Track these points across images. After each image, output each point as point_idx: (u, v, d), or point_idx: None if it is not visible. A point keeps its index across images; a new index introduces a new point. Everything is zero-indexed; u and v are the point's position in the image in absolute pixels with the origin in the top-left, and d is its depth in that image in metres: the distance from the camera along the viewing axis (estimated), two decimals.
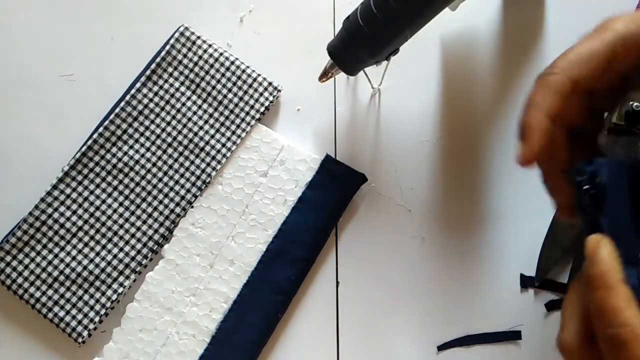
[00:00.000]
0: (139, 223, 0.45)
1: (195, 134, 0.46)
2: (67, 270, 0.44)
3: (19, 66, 0.48)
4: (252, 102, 0.47)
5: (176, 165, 0.46)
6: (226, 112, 0.47)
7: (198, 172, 0.46)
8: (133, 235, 0.45)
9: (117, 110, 0.46)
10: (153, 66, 0.47)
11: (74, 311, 0.44)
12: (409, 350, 0.44)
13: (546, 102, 0.31)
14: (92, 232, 0.45)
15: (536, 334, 0.44)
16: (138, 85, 0.47)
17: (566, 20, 0.48)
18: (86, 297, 0.44)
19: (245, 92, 0.47)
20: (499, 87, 0.47)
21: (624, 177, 0.29)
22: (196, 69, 0.47)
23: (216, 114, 0.47)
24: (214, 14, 0.49)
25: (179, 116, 0.47)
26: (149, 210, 0.46)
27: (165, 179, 0.46)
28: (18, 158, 0.47)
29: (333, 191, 0.45)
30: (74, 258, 0.45)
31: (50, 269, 0.44)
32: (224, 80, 0.47)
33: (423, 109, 0.47)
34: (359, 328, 0.44)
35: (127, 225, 0.45)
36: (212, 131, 0.47)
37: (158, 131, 0.47)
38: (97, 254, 0.45)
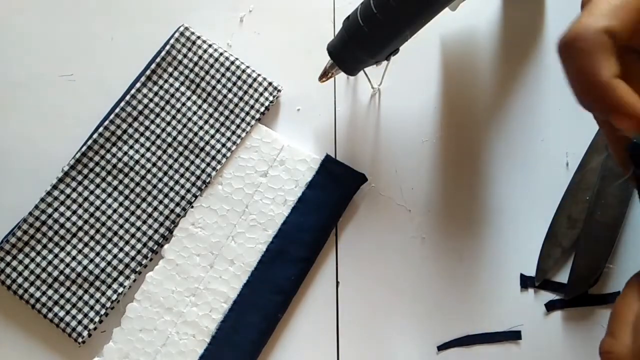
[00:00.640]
0: (139, 223, 0.45)
1: (195, 134, 0.46)
2: (67, 270, 0.44)
3: (19, 66, 0.48)
4: (252, 102, 0.47)
5: (176, 165, 0.46)
6: (226, 112, 0.47)
7: (198, 172, 0.46)
8: (133, 235, 0.45)
9: (117, 110, 0.46)
10: (153, 66, 0.47)
11: (74, 311, 0.44)
12: (409, 350, 0.44)
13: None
14: (92, 232, 0.45)
15: (536, 334, 0.44)
16: (138, 85, 0.47)
17: (566, 20, 0.47)
18: (86, 297, 0.44)
19: (245, 92, 0.47)
20: (499, 87, 0.47)
21: None
22: (196, 69, 0.47)
23: (216, 114, 0.47)
24: (214, 14, 0.49)
25: (179, 116, 0.47)
26: (149, 210, 0.46)
27: (165, 179, 0.46)
28: (18, 158, 0.47)
29: (333, 191, 0.45)
30: (74, 258, 0.45)
31: (50, 269, 0.44)
32: (224, 80, 0.47)
33: (423, 109, 0.47)
34: (359, 328, 0.44)
35: (127, 225, 0.45)
36: (212, 131, 0.46)
37: (158, 131, 0.47)
38: (97, 254, 0.45)
